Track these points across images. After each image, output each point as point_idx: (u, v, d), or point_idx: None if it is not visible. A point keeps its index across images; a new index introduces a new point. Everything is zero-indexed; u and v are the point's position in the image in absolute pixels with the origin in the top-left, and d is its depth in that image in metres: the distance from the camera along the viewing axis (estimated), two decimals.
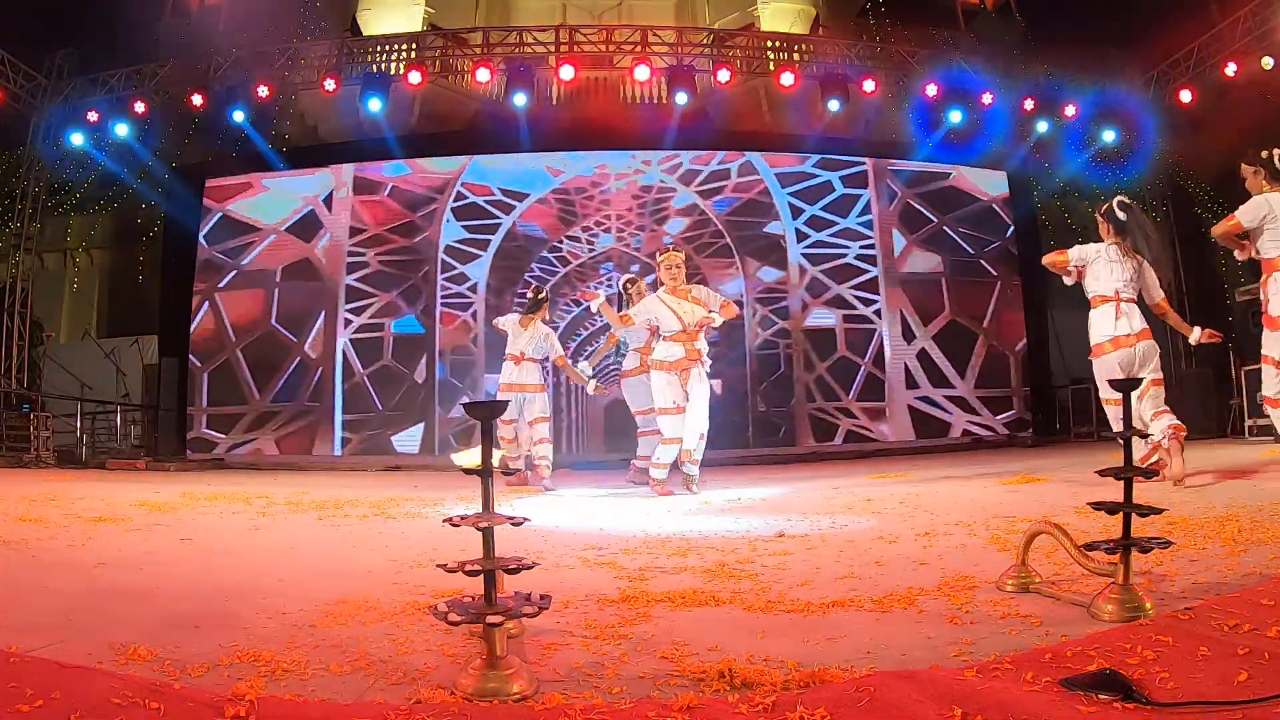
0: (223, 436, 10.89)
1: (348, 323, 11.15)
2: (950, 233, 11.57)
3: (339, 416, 10.94)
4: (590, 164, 11.49)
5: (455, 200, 11.29)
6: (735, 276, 11.32)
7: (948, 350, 11.32)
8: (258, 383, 11.00)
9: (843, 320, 11.36)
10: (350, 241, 11.28)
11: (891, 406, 11.14)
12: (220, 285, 11.23)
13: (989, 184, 11.78)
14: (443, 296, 11.15)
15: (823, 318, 11.38)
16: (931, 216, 11.56)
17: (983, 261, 11.61)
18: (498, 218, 11.29)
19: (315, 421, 10.94)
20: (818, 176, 11.55)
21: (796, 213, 11.42)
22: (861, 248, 11.51)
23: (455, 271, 11.22)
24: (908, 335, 11.30)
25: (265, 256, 11.31)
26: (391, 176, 11.45)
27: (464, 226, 11.27)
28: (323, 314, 11.14)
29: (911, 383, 11.21)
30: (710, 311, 5.88)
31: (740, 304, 10.79)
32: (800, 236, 11.42)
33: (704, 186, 11.45)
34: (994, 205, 11.73)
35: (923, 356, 11.30)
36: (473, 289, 11.22)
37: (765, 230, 11.47)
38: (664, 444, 5.85)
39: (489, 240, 11.26)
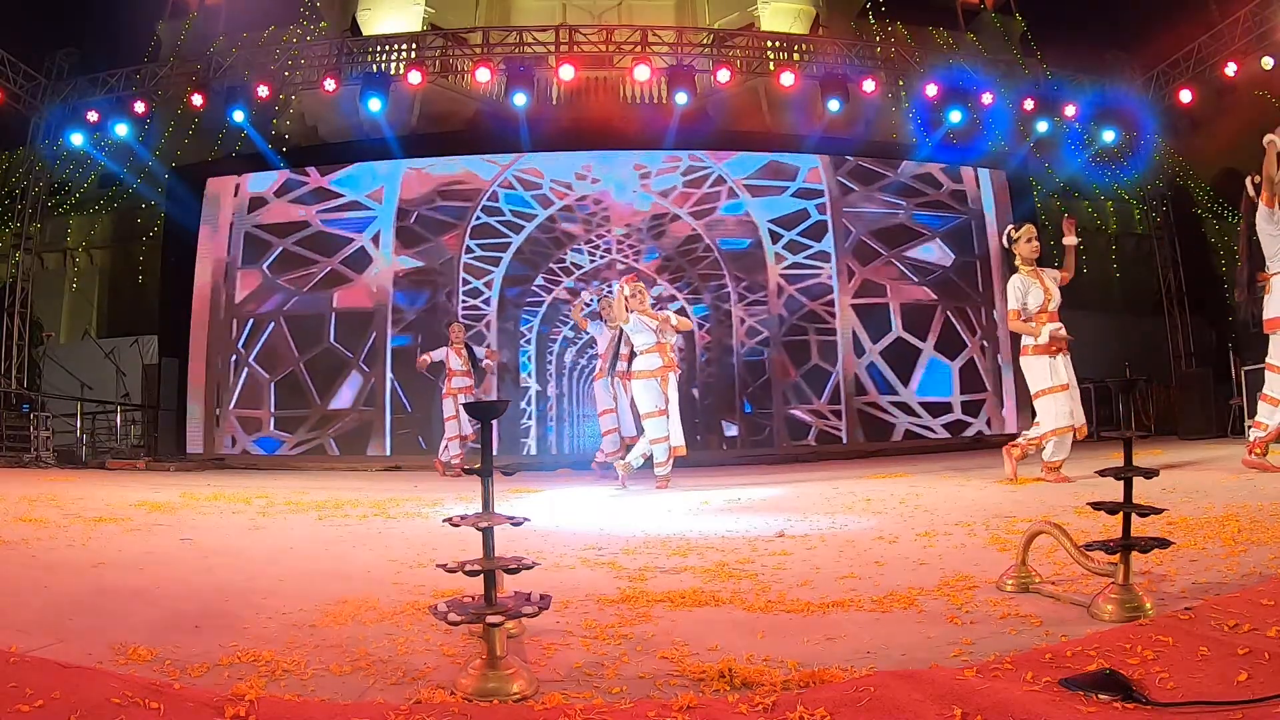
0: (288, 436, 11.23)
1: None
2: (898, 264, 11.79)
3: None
4: (593, 184, 11.68)
5: (473, 220, 11.58)
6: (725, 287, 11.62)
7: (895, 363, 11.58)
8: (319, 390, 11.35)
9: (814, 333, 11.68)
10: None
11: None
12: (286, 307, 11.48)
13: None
14: (462, 309, 11.43)
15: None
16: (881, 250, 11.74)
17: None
18: (508, 237, 11.54)
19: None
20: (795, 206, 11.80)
21: (775, 238, 11.70)
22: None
23: (470, 286, 11.52)
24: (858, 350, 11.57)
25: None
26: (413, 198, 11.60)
27: (479, 244, 11.55)
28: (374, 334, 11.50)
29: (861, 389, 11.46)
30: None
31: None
32: (778, 258, 11.71)
33: (698, 208, 11.69)
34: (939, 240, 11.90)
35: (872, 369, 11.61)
36: (486, 302, 11.51)
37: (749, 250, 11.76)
38: (656, 443, 6.47)
39: (500, 258, 11.54)
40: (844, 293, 11.73)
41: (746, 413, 11.44)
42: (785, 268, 11.64)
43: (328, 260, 11.52)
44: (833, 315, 11.62)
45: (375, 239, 11.54)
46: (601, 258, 11.59)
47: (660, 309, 6.88)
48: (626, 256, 11.55)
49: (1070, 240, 5.54)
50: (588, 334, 8.64)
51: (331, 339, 11.53)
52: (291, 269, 11.43)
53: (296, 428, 11.19)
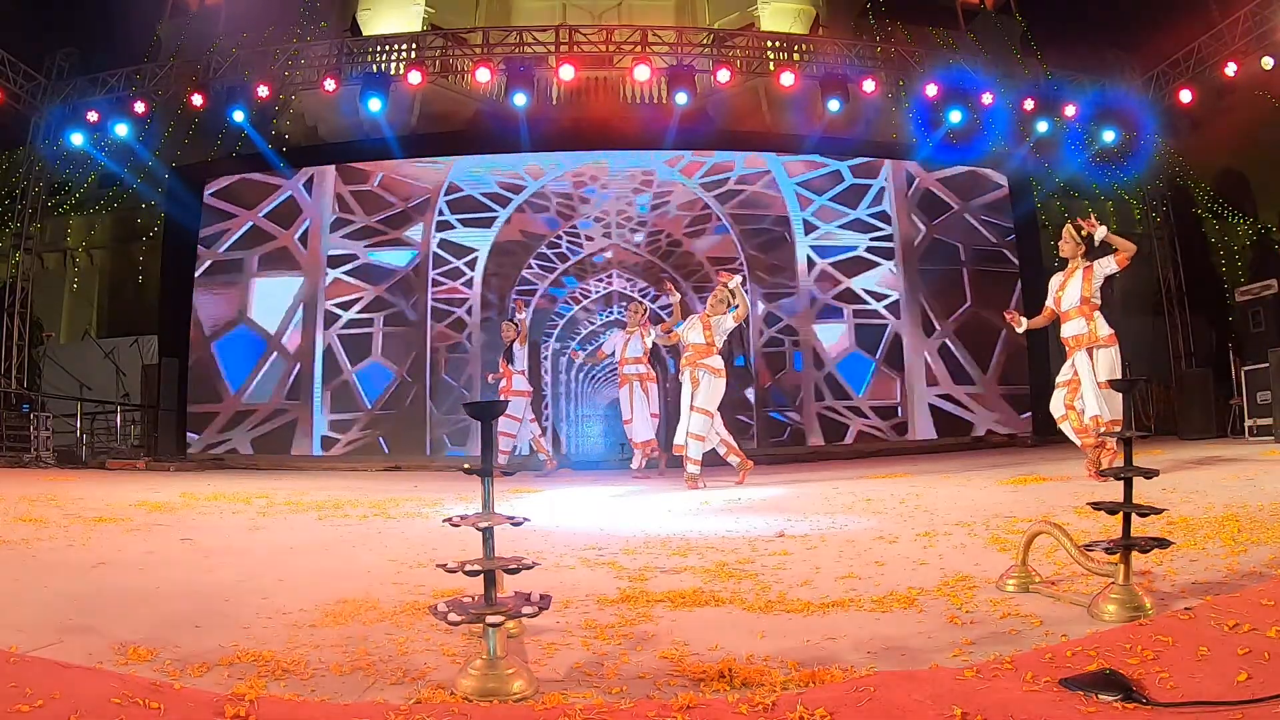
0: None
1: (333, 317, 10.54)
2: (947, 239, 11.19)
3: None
4: (589, 158, 11.14)
5: (449, 193, 10.79)
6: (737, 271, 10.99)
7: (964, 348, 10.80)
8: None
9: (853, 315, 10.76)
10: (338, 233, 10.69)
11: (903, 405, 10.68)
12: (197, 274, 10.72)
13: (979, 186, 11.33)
14: (435, 292, 10.62)
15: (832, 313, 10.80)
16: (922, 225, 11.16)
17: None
18: (494, 211, 10.82)
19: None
20: (826, 166, 11.03)
21: (805, 203, 10.81)
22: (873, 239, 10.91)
23: (448, 266, 10.67)
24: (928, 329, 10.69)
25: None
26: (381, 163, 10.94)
27: (459, 219, 10.75)
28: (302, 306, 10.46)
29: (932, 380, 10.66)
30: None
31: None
32: (808, 228, 10.83)
33: (707, 179, 11.00)
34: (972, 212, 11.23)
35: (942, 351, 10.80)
36: (468, 284, 10.76)
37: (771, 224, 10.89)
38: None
39: (485, 234, 10.78)
40: (907, 257, 10.61)
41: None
42: (816, 238, 10.78)
43: (247, 213, 10.55)
44: (874, 293, 10.60)
45: (309, 184, 10.66)
46: (604, 237, 10.83)
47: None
48: (625, 241, 10.91)
49: (1099, 233, 5.36)
50: (610, 352, 8.47)
51: (250, 314, 10.49)
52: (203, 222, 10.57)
53: (204, 426, 10.39)
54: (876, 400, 10.69)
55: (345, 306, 10.70)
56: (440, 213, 10.87)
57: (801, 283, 10.90)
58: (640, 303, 8.65)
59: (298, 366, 10.58)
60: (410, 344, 10.63)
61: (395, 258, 10.82)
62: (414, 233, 10.83)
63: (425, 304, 10.68)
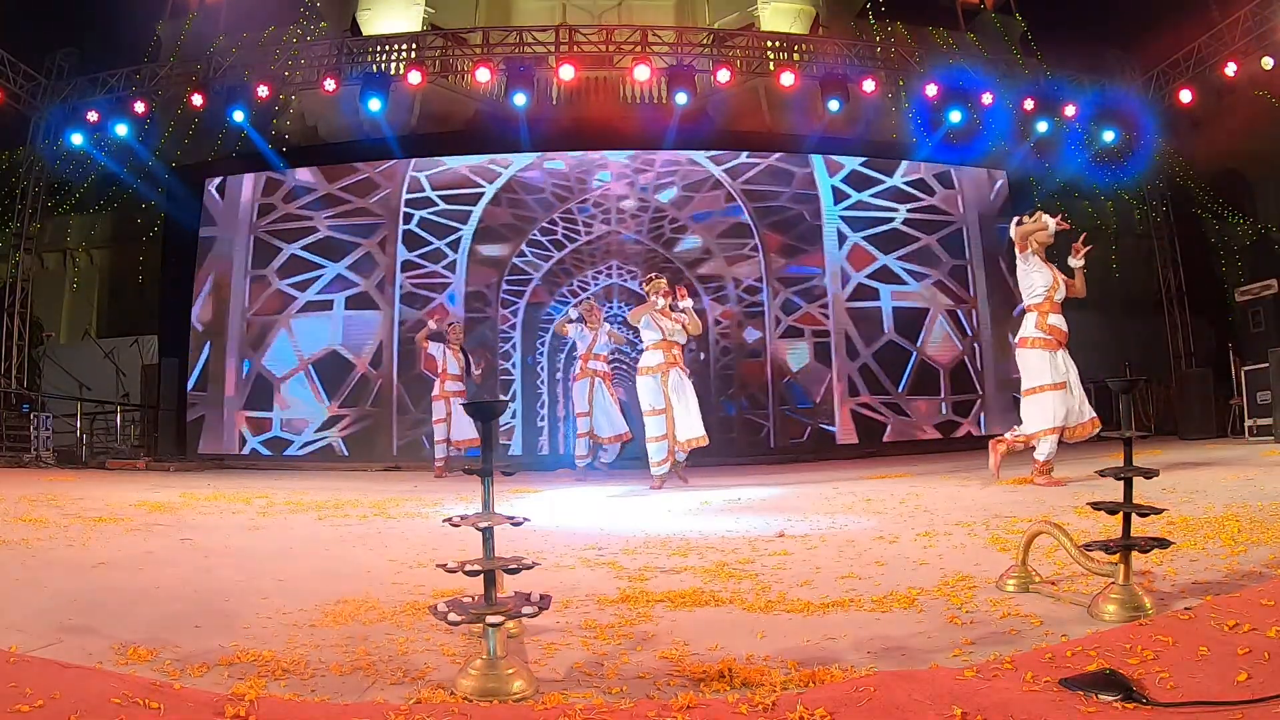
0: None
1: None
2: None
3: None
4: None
5: (427, 168, 10.09)
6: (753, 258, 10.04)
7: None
8: None
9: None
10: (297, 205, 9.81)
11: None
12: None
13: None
14: (411, 275, 9.90)
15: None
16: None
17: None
18: (480, 186, 10.14)
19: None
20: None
21: (833, 170, 10.03)
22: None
23: (429, 247, 9.84)
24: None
25: None
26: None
27: (441, 195, 10.04)
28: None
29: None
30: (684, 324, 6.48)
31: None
32: (838, 196, 10.01)
33: (717, 152, 10.46)
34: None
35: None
36: (450, 267, 9.94)
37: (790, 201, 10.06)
38: (651, 442, 6.44)
39: (470, 211, 10.06)
40: (984, 210, 9.73)
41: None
42: (848, 208, 10.01)
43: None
44: (913, 271, 9.68)
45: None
46: (603, 223, 10.24)
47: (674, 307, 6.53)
48: (625, 224, 10.36)
49: (1076, 263, 5.26)
50: (569, 339, 8.44)
51: (185, 286, 9.71)
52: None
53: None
54: (916, 395, 9.90)
55: (301, 287, 9.92)
56: (416, 186, 10.21)
57: (829, 261, 10.13)
58: (590, 300, 8.49)
59: (208, 346, 9.81)
60: (376, 331, 9.85)
61: (360, 231, 10.05)
62: (381, 203, 10.14)
63: (393, 285, 9.92)
